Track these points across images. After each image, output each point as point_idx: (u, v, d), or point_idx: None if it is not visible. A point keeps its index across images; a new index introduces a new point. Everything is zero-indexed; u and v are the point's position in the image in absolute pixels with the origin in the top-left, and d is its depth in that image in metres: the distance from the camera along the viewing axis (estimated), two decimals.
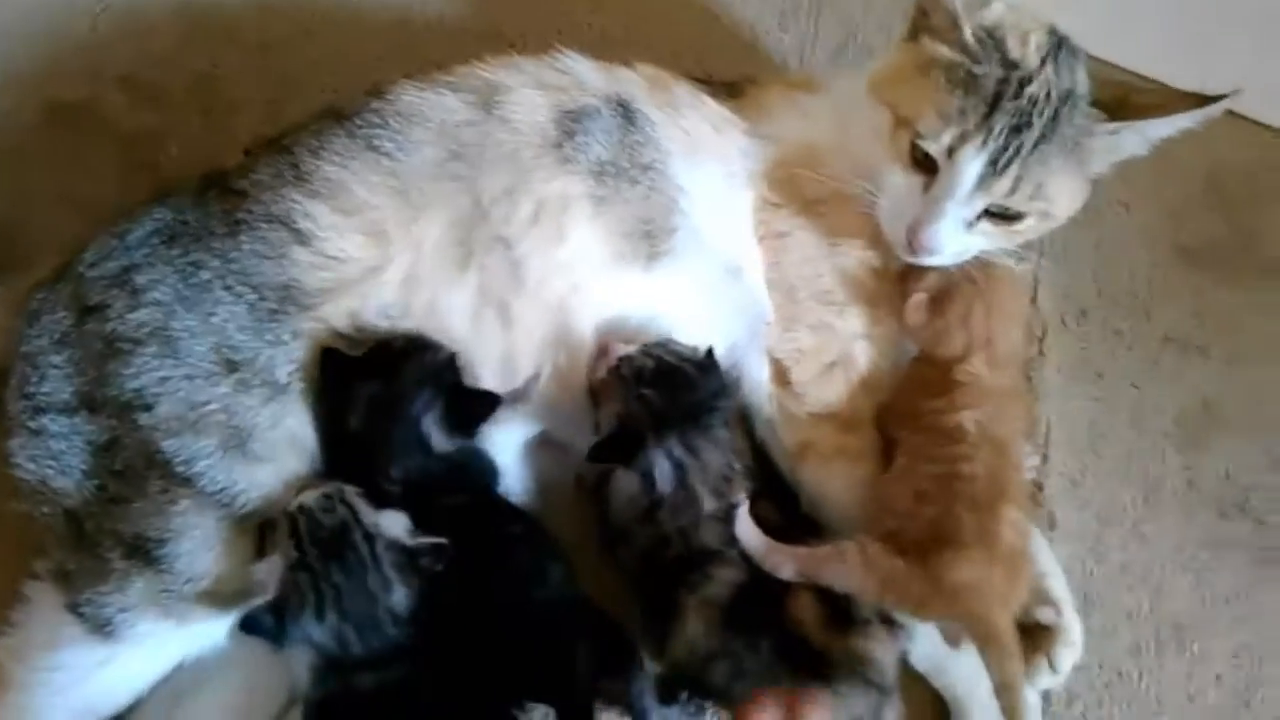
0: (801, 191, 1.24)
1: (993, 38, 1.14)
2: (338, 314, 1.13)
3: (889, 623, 1.17)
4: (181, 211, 1.14)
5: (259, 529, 1.10)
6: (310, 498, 1.05)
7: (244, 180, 1.15)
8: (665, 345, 1.17)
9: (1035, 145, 1.11)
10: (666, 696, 1.18)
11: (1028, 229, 1.18)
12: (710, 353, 1.18)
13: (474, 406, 1.14)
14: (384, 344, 1.13)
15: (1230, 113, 1.69)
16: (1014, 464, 1.18)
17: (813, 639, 1.13)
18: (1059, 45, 1.16)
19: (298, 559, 1.03)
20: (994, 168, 1.11)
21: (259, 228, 1.12)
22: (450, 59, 1.25)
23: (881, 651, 1.15)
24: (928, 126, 1.12)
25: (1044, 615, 1.25)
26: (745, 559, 1.14)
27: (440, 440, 1.13)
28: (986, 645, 1.12)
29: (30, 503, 1.10)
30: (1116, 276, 1.54)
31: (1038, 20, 1.18)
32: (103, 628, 1.05)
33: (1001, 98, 1.11)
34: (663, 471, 1.14)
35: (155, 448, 1.06)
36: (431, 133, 1.17)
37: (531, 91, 1.20)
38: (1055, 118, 1.12)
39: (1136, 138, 1.17)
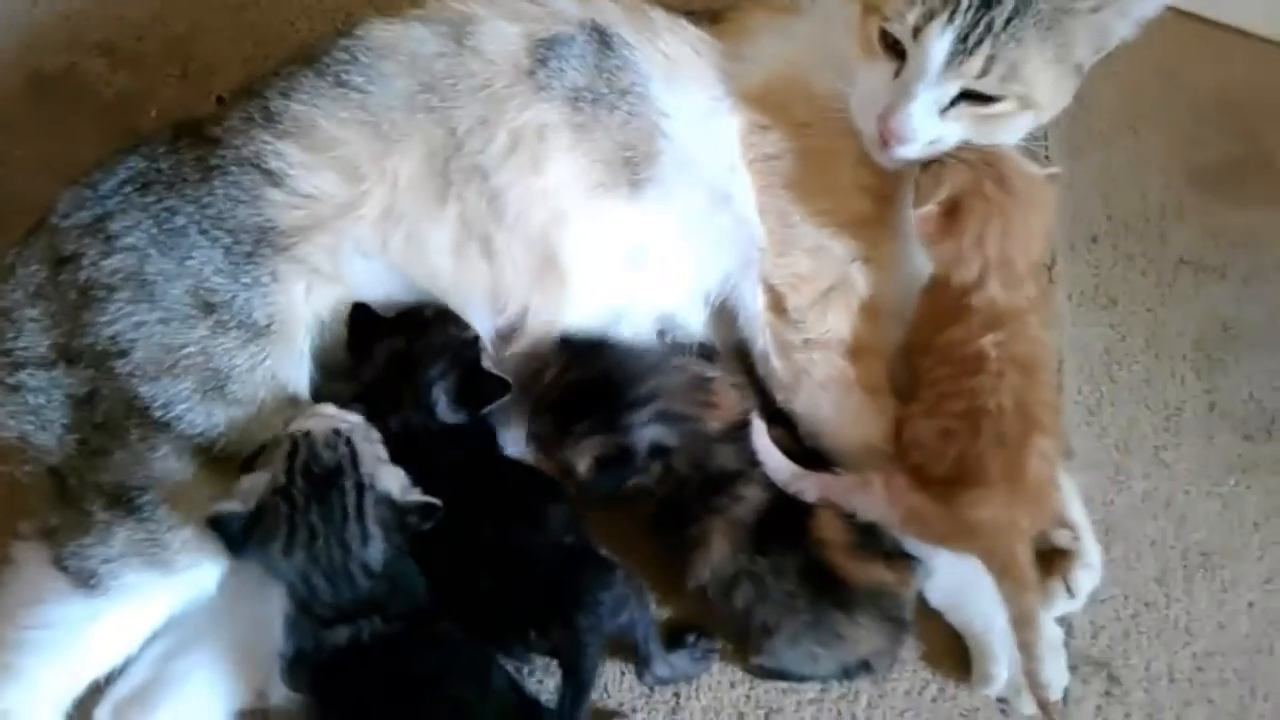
0: (790, 113, 1.20)
1: None
2: (314, 252, 1.12)
3: (906, 558, 1.16)
4: (154, 159, 1.13)
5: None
6: (318, 427, 1.02)
7: (216, 127, 1.14)
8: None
9: (1007, 22, 1.06)
10: (673, 642, 1.17)
11: (1008, 116, 1.13)
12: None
13: (486, 388, 1.13)
14: (414, 310, 1.15)
15: (1240, 31, 1.67)
16: (1043, 383, 1.14)
17: (835, 565, 1.13)
18: None
19: (284, 485, 1.00)
20: (964, 45, 1.07)
21: (231, 171, 1.11)
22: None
23: (900, 585, 1.14)
24: (894, 8, 1.08)
25: (1060, 539, 1.21)
26: (768, 479, 1.14)
27: (444, 410, 1.13)
28: (1004, 579, 1.10)
29: (11, 462, 1.08)
30: (1127, 200, 1.50)
31: None
32: (88, 580, 1.03)
33: None
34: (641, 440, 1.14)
35: (133, 394, 1.04)
36: (402, 65, 1.15)
37: (503, 22, 1.18)
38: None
39: (1120, 19, 1.11)
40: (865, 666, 1.16)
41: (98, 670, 1.07)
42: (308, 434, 1.01)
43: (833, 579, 1.12)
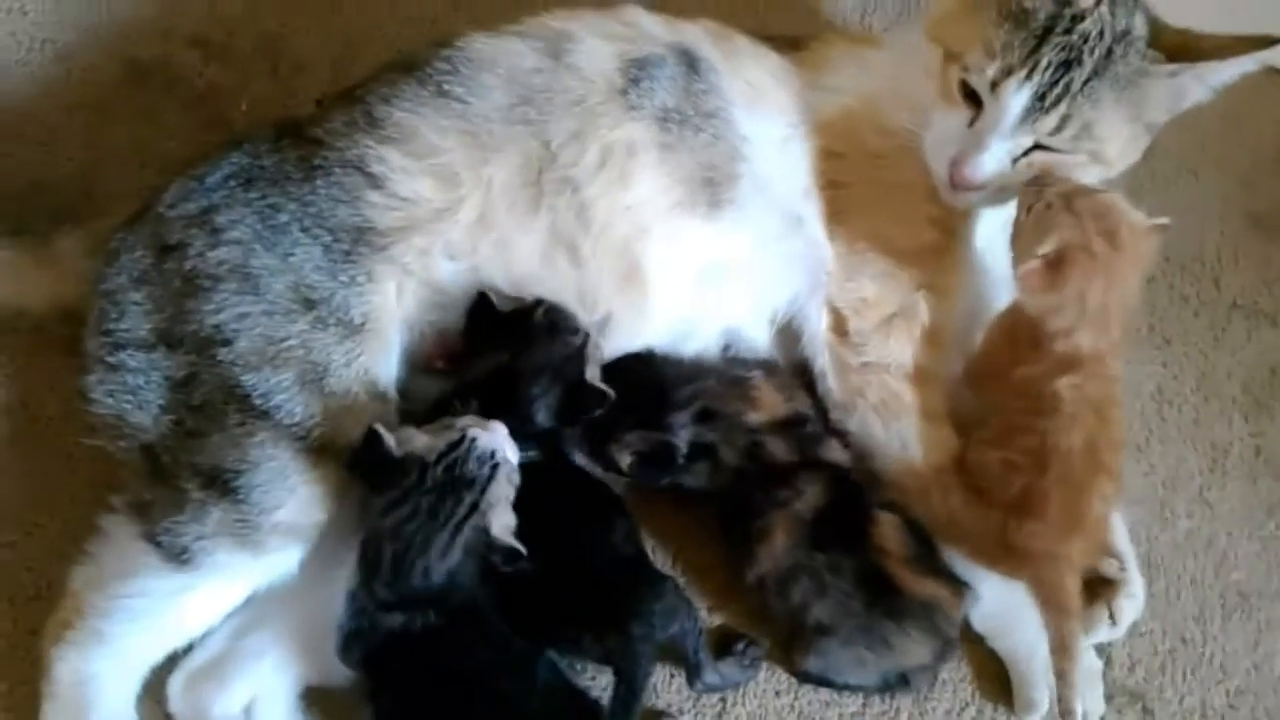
0: (863, 143, 1.24)
1: None
2: (408, 254, 1.15)
3: (958, 581, 1.19)
4: (258, 157, 1.17)
5: (435, 405, 1.13)
6: (485, 441, 1.06)
7: (318, 129, 1.18)
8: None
9: (1085, 83, 1.10)
10: (722, 649, 1.21)
11: (1077, 168, 1.16)
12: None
13: (586, 403, 1.16)
14: (528, 311, 1.17)
15: None
16: (1114, 421, 1.16)
17: (892, 574, 1.16)
18: None
19: (430, 461, 1.04)
20: (1041, 103, 1.10)
21: (334, 172, 1.15)
22: (504, 19, 1.26)
23: (951, 603, 1.18)
24: (974, 60, 1.12)
25: (1107, 568, 1.24)
26: (829, 476, 1.18)
27: (543, 420, 1.16)
28: (1048, 606, 1.13)
29: (106, 437, 1.12)
30: (1185, 243, 1.53)
31: None
32: (179, 556, 1.07)
33: (1051, 32, 1.10)
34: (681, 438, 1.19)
35: (234, 381, 1.08)
36: (501, 79, 1.19)
37: (598, 40, 1.22)
38: (1108, 56, 1.11)
39: (1197, 84, 1.15)
40: (905, 681, 1.19)
41: (180, 640, 1.11)
42: (474, 440, 1.05)
43: (888, 586, 1.16)
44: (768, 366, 1.27)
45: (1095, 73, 1.10)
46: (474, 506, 1.05)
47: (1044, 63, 1.09)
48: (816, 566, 1.16)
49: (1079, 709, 1.13)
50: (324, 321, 1.11)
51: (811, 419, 1.24)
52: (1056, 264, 1.13)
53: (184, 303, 1.10)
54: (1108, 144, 1.14)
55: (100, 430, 1.13)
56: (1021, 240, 1.16)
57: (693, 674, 1.17)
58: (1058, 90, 1.10)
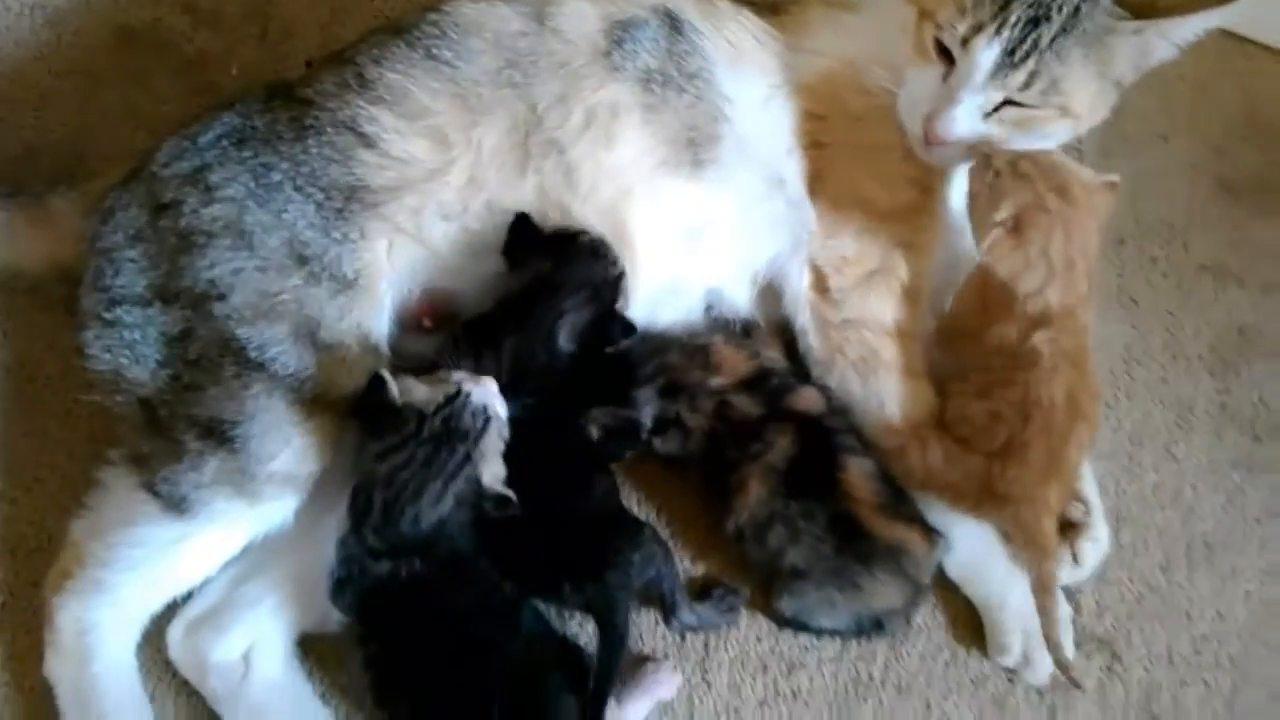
0: (843, 105, 1.27)
1: None
2: (400, 212, 1.18)
3: (929, 528, 1.23)
4: (249, 117, 1.19)
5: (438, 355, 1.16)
6: (478, 396, 1.09)
7: (309, 89, 1.20)
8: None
9: (1053, 39, 1.13)
10: (701, 594, 1.25)
11: (1047, 122, 1.19)
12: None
13: (613, 330, 1.20)
14: (572, 235, 1.20)
15: (1270, 48, 1.72)
16: (1090, 372, 1.20)
17: (862, 518, 1.20)
18: None
19: (427, 414, 1.07)
20: (1010, 59, 1.14)
21: (326, 132, 1.17)
22: None
23: (921, 549, 1.22)
24: (946, 17, 1.15)
25: (1074, 511, 1.28)
26: (798, 425, 1.22)
27: (564, 340, 1.18)
28: (1029, 547, 1.17)
29: (104, 392, 1.15)
30: (1154, 206, 1.55)
31: None
32: (178, 504, 1.10)
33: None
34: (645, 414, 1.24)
35: (229, 335, 1.11)
36: (488, 42, 1.21)
37: (582, 3, 1.24)
38: (1075, 13, 1.14)
39: (1162, 40, 1.18)
40: (878, 625, 1.24)
41: (179, 589, 1.15)
42: (469, 395, 1.08)
43: (858, 531, 1.20)
44: (725, 329, 1.30)
45: (1063, 29, 1.13)
46: (467, 457, 1.08)
47: (1013, 19, 1.12)
48: (790, 514, 1.20)
49: (1066, 642, 1.19)
50: (317, 277, 1.14)
51: (777, 371, 1.27)
52: (1016, 228, 1.17)
53: (179, 259, 1.13)
54: (1075, 99, 1.17)
55: (98, 385, 1.15)
56: (978, 212, 1.20)
57: (669, 613, 1.21)
58: (1026, 46, 1.13)
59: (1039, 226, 1.17)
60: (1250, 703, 1.31)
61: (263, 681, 1.15)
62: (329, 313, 1.13)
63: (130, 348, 1.13)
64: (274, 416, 1.10)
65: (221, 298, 1.11)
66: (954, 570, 1.28)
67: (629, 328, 1.20)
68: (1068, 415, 1.16)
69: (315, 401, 1.12)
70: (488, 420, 1.09)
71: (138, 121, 1.44)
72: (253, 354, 1.10)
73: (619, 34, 1.23)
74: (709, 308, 1.31)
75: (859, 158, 1.27)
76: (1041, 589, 1.15)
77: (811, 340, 1.29)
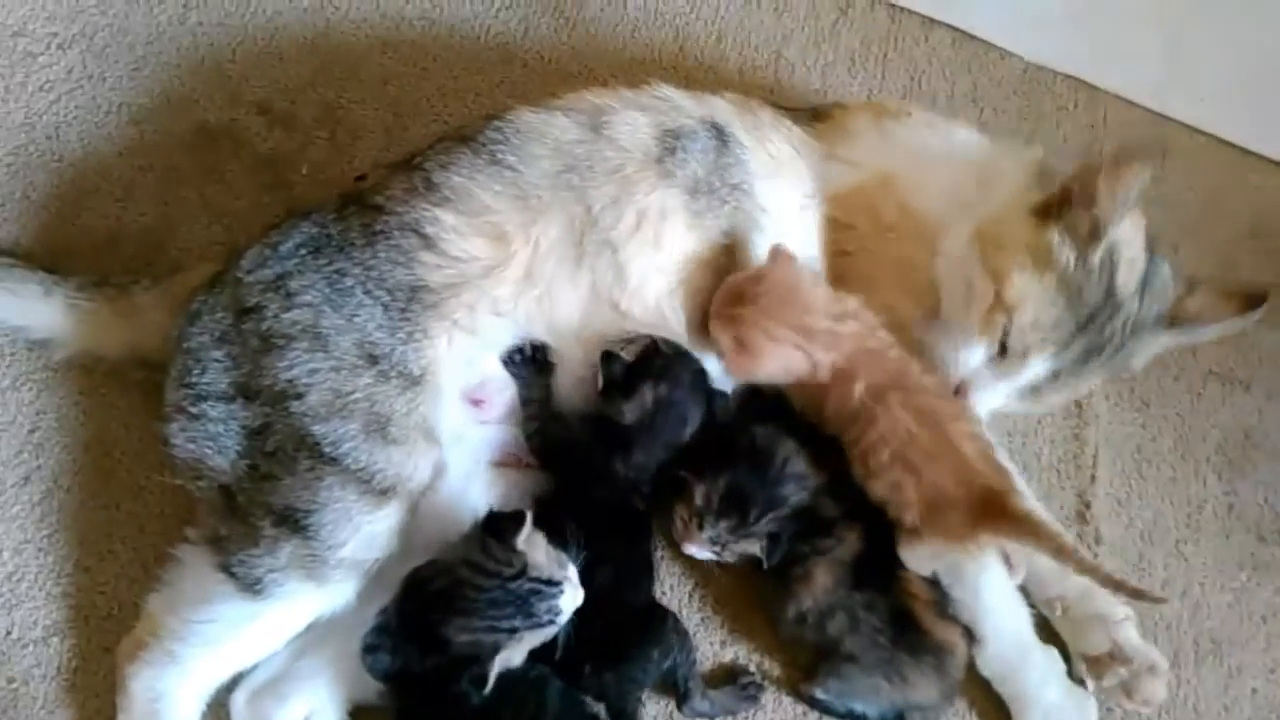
0: (876, 215, 1.36)
1: (1111, 260, 1.24)
2: (459, 309, 1.26)
3: (967, 630, 1.30)
4: (325, 225, 1.28)
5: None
6: (568, 602, 1.15)
7: (379, 196, 1.29)
8: None
9: (1095, 367, 1.26)
10: (725, 680, 1.33)
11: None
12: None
13: (716, 406, 1.31)
14: (654, 349, 1.29)
15: (1275, 162, 1.81)
16: (918, 374, 1.27)
17: (919, 615, 1.27)
18: (1153, 270, 1.28)
19: (518, 573, 1.13)
20: (1055, 379, 1.26)
21: (393, 236, 1.25)
22: (545, 94, 1.38)
23: (962, 651, 1.30)
24: (1021, 322, 1.24)
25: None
26: (866, 523, 1.28)
27: (690, 431, 1.30)
28: (1035, 540, 1.21)
29: (186, 477, 1.24)
30: None
31: (1142, 237, 1.28)
32: (253, 586, 1.18)
33: (1092, 323, 1.25)
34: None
35: (306, 431, 1.19)
36: (548, 148, 1.30)
37: (635, 113, 1.33)
38: (1123, 346, 1.26)
39: (1175, 341, 1.32)
40: (900, 717, 1.30)
41: (246, 662, 1.23)
42: (559, 594, 1.14)
43: (914, 626, 1.27)
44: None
45: (1107, 359, 1.27)
46: (514, 630, 1.14)
47: (1073, 349, 1.25)
48: (853, 605, 1.27)
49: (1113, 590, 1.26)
50: (386, 375, 1.22)
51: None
52: (739, 346, 1.27)
53: (260, 359, 1.21)
54: (1080, 392, 1.33)
55: (181, 471, 1.24)
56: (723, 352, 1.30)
57: (682, 700, 1.28)
58: (1071, 370, 1.26)
59: (746, 328, 1.26)
60: None
61: None
62: (398, 408, 1.21)
63: (213, 439, 1.21)
64: (344, 506, 1.18)
65: (299, 396, 1.19)
66: (987, 664, 1.33)
67: (725, 396, 1.31)
68: (930, 429, 1.23)
69: (384, 493, 1.20)
70: (551, 623, 1.15)
71: (213, 215, 1.54)
72: (327, 449, 1.18)
73: (671, 141, 1.32)
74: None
75: (884, 267, 1.36)
76: (1068, 557, 1.20)
77: None
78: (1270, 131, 1.81)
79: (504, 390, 1.33)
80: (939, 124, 1.41)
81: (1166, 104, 1.80)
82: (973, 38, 1.79)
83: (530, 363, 1.32)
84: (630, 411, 1.26)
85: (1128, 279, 1.25)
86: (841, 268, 1.38)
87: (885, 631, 1.27)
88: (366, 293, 1.24)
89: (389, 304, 1.24)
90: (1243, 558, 1.50)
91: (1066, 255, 1.24)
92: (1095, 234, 1.22)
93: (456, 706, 1.14)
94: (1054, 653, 1.34)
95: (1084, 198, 1.22)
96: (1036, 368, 1.26)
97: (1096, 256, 1.22)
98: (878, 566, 1.29)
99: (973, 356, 1.29)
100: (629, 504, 1.30)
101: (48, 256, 1.46)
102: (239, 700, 1.24)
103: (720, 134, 1.35)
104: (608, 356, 1.28)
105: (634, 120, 1.33)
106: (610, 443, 1.27)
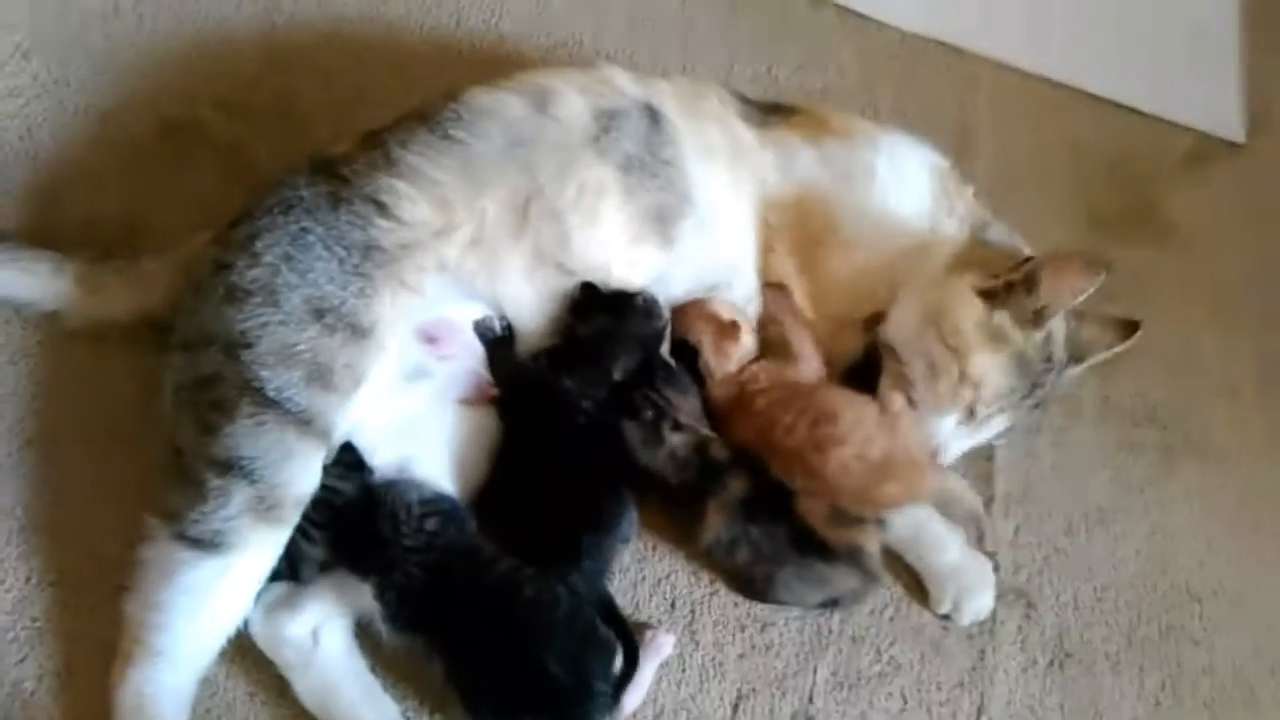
0: (807, 229, 1.51)
1: (1049, 332, 1.43)
2: (410, 269, 1.35)
3: (873, 520, 1.44)
4: (297, 188, 1.38)
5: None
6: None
7: (346, 169, 1.38)
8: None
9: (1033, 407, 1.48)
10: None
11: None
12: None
13: (654, 370, 1.45)
14: (629, 295, 1.44)
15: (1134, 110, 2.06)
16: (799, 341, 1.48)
17: (819, 531, 1.40)
18: (1068, 323, 1.47)
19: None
20: (1009, 431, 1.49)
21: (354, 204, 1.34)
22: (477, 79, 1.49)
23: (871, 544, 1.43)
24: (985, 397, 1.43)
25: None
26: (750, 470, 1.42)
27: (615, 373, 1.44)
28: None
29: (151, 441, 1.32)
30: (1037, 242, 1.76)
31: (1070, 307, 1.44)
32: (212, 541, 1.22)
33: (1039, 382, 1.44)
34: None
35: (252, 376, 1.25)
36: (497, 125, 1.41)
37: (576, 94, 1.44)
38: (1054, 386, 1.48)
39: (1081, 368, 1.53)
40: (835, 603, 1.46)
41: (227, 628, 1.26)
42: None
43: (817, 542, 1.39)
44: None
45: (1043, 400, 1.49)
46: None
47: (1025, 407, 1.46)
48: (753, 537, 1.39)
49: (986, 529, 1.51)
50: (331, 329, 1.29)
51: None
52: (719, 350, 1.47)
53: (223, 309, 1.29)
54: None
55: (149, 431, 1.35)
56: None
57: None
58: (1020, 417, 1.47)
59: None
60: (1146, 635, 1.57)
61: (328, 653, 1.31)
62: (340, 359, 1.28)
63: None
64: (286, 446, 1.24)
65: (249, 345, 1.26)
66: (895, 543, 1.50)
67: (669, 368, 1.46)
68: (821, 401, 1.42)
69: (325, 435, 1.27)
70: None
71: (180, 202, 1.62)
72: (270, 393, 1.24)
73: (606, 121, 1.43)
74: None
75: (804, 273, 1.52)
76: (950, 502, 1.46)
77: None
78: (1122, 82, 2.08)
79: (458, 332, 1.44)
80: (881, 147, 1.53)
81: (1033, 63, 2.05)
82: (855, 13, 2.04)
83: (499, 342, 1.46)
84: (581, 328, 1.43)
85: (1059, 340, 1.45)
86: (772, 264, 1.52)
87: (791, 555, 1.38)
88: (326, 248, 1.32)
89: (344, 259, 1.32)
90: (1119, 440, 1.71)
91: (1016, 337, 1.41)
92: (1039, 320, 1.40)
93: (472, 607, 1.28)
94: (950, 526, 1.51)
95: (1027, 287, 1.40)
96: (999, 425, 1.46)
97: (1040, 335, 1.42)
98: (772, 501, 1.39)
99: (945, 426, 1.45)
100: (574, 420, 1.44)
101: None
102: (255, 617, 1.30)
103: (653, 115, 1.45)
104: (588, 285, 1.43)
105: (574, 101, 1.43)
106: (559, 362, 1.43)
